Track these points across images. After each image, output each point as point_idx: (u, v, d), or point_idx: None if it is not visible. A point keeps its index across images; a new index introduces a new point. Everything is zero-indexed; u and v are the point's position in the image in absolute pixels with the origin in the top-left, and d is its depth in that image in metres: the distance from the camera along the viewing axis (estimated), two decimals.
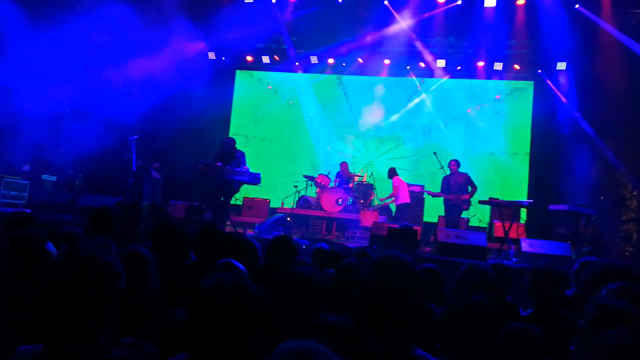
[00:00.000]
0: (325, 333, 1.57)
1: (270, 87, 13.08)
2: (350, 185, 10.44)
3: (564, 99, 10.63)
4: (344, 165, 10.87)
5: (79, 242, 3.59)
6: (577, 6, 9.69)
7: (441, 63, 11.44)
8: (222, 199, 8.17)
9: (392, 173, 9.92)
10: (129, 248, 2.03)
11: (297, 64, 12.30)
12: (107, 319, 1.41)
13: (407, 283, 1.71)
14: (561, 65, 10.73)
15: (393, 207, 10.10)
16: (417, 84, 12.19)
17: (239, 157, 8.31)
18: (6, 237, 2.10)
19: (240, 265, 2.34)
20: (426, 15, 10.71)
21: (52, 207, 7.65)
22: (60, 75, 9.33)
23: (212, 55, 12.25)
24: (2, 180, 7.75)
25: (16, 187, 8.00)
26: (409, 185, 9.85)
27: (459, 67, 11.62)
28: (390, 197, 10.05)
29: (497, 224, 9.08)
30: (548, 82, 11.11)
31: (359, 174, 11.06)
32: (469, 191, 8.89)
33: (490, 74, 11.57)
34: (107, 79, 9.11)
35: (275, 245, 3.41)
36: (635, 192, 9.28)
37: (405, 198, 9.57)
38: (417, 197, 9.90)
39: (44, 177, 8.90)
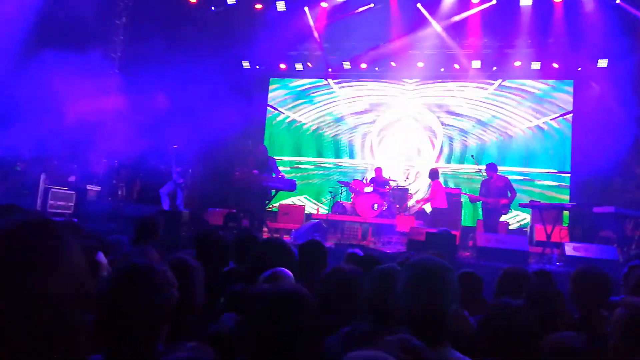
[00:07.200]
0: None
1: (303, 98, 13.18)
2: (386, 189, 10.36)
3: (606, 97, 10.24)
4: (378, 170, 10.80)
5: (122, 250, 3.71)
6: (618, 1, 9.38)
7: (476, 64, 11.25)
8: (258, 206, 8.28)
9: (434, 175, 9.35)
10: (175, 256, 2.08)
11: (330, 70, 12.35)
12: (164, 327, 1.43)
13: (445, 286, 1.70)
14: (602, 63, 10.37)
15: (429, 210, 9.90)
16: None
17: (271, 165, 8.39)
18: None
19: (289, 273, 2.35)
20: (460, 16, 10.59)
21: (97, 216, 7.91)
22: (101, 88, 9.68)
23: (246, 64, 12.45)
24: (49, 191, 8.06)
25: (63, 197, 8.31)
26: (446, 187, 9.60)
27: (494, 68, 11.40)
28: (427, 200, 9.78)
29: (539, 227, 8.81)
30: (589, 80, 10.74)
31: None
32: (509, 196, 8.60)
33: (527, 73, 11.29)
34: (141, 89, 9.33)
35: (306, 250, 3.36)
36: None
37: (442, 203, 9.26)
38: (455, 201, 9.59)
39: (88, 187, 9.21)
